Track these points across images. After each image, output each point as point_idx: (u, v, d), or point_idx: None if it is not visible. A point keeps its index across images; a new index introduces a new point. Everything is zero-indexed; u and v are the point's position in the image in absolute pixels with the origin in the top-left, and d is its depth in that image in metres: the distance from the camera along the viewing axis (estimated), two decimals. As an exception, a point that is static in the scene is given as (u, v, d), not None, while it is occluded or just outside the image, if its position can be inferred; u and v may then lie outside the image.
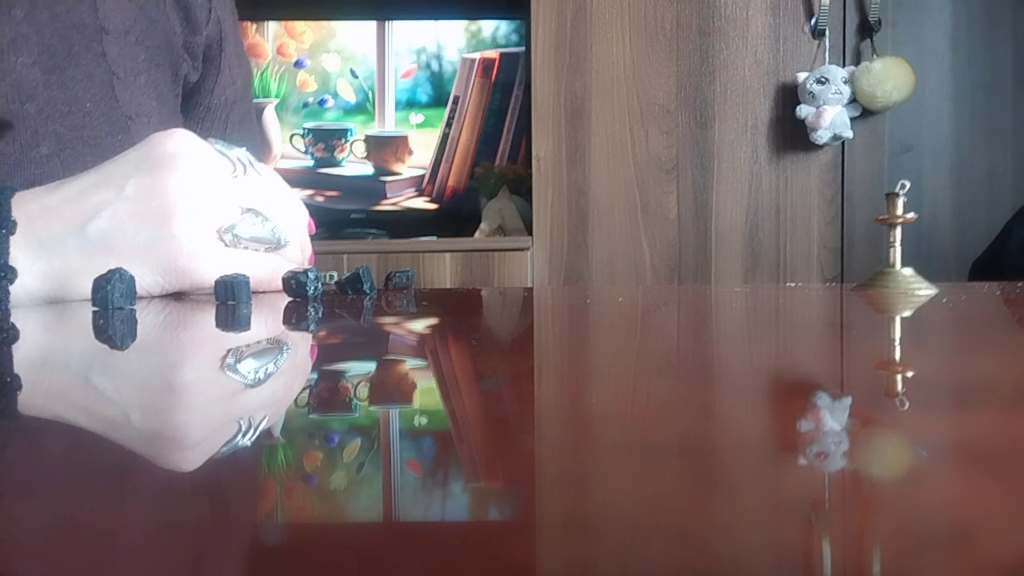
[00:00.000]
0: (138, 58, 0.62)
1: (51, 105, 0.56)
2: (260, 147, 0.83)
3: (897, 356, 0.25)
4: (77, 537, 0.10)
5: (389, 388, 0.21)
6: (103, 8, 0.59)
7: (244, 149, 0.48)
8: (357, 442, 0.15)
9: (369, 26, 1.85)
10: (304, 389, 0.20)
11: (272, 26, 1.85)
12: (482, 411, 0.18)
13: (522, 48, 1.83)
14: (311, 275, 0.44)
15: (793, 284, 1.50)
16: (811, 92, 1.54)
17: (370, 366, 0.25)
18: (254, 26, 1.85)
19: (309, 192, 1.86)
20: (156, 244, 0.43)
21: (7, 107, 0.54)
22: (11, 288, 0.41)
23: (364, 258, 1.62)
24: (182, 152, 0.45)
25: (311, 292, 0.44)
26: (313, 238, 0.54)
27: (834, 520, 0.11)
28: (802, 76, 1.57)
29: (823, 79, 1.54)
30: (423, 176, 1.86)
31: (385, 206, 1.86)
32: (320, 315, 0.38)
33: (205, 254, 0.44)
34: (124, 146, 0.47)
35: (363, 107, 1.86)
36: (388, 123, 1.86)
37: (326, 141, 1.86)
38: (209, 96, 0.71)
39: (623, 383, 0.21)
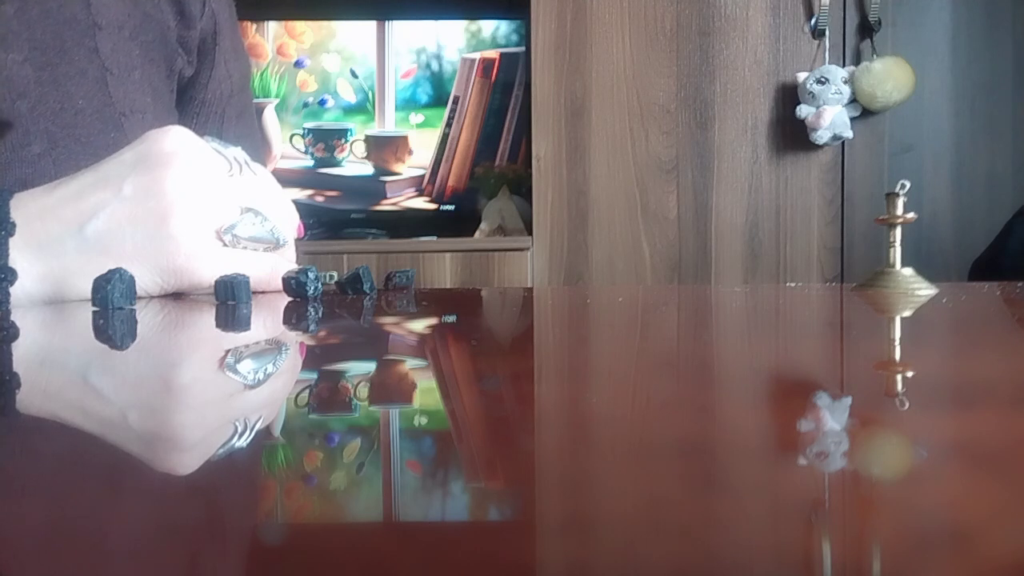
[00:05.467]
0: (132, 53, 0.61)
1: (43, 103, 0.56)
2: (259, 143, 0.82)
3: (897, 356, 0.25)
4: (75, 538, 0.10)
5: (389, 388, 0.21)
6: (96, 3, 0.59)
7: (240, 148, 0.48)
8: (357, 442, 0.15)
9: (369, 26, 1.85)
10: (304, 389, 0.20)
11: (272, 26, 1.85)
12: (482, 411, 0.18)
13: (522, 48, 1.83)
14: (311, 275, 0.44)
15: (793, 284, 1.50)
16: (811, 92, 1.54)
17: (370, 366, 0.25)
18: (254, 26, 1.85)
19: (309, 192, 1.85)
20: (154, 244, 0.43)
21: None
22: (11, 290, 0.41)
23: (364, 258, 1.62)
24: (179, 151, 0.44)
25: (311, 292, 0.44)
26: (313, 238, 0.54)
27: (834, 520, 0.11)
28: (802, 76, 1.57)
29: (823, 79, 1.54)
30: (423, 176, 1.86)
31: (385, 206, 1.86)
32: (320, 315, 0.38)
33: (203, 254, 0.44)
34: (117, 143, 0.46)
35: (363, 107, 1.86)
36: (388, 123, 1.86)
37: (326, 141, 1.86)
38: (204, 91, 0.71)
39: (623, 383, 0.21)
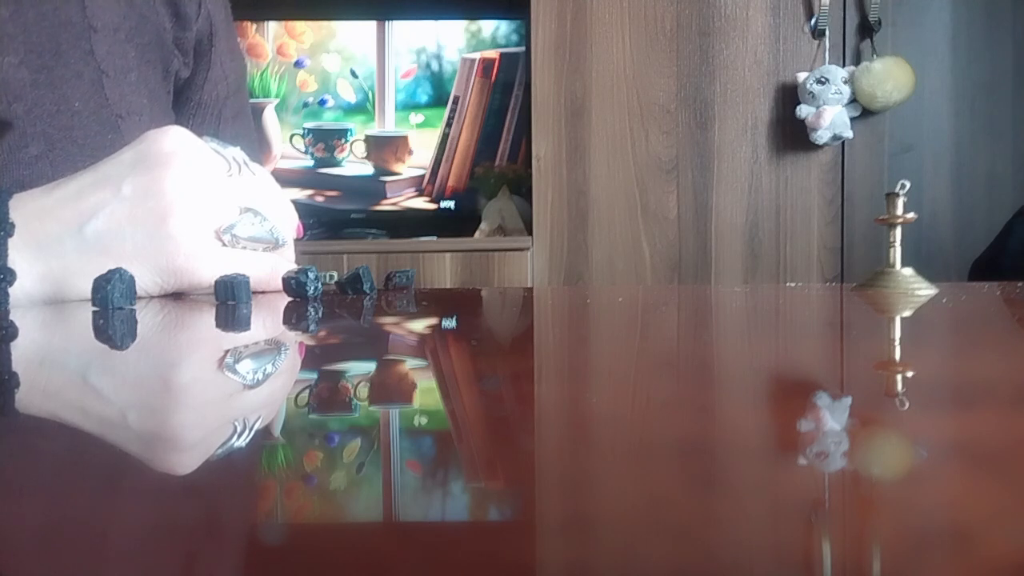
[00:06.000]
0: (128, 55, 0.61)
1: (39, 105, 0.56)
2: (256, 144, 0.82)
3: (897, 356, 0.25)
4: (74, 538, 0.10)
5: (389, 388, 0.21)
6: (91, 6, 0.59)
7: (238, 148, 0.48)
8: (357, 442, 0.15)
9: (369, 26, 1.85)
10: (304, 389, 0.20)
11: (272, 26, 1.85)
12: (482, 411, 0.18)
13: (522, 48, 1.83)
14: (311, 275, 0.44)
15: (793, 284, 1.50)
16: (811, 92, 1.54)
17: (370, 366, 0.25)
18: (254, 26, 1.85)
19: (309, 192, 1.85)
20: (153, 244, 0.43)
21: None
22: (10, 290, 0.41)
23: (364, 258, 1.62)
24: (178, 151, 0.44)
25: (311, 292, 0.44)
26: (313, 238, 0.54)
27: (834, 520, 0.11)
28: (802, 76, 1.57)
29: (823, 79, 1.54)
30: (423, 176, 1.86)
31: (385, 206, 1.86)
32: (320, 315, 0.38)
33: (203, 254, 0.44)
34: (115, 145, 0.46)
35: (363, 107, 1.86)
36: (388, 123, 1.86)
37: (326, 141, 1.86)
38: (200, 92, 0.71)
39: (623, 383, 0.21)
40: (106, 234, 0.43)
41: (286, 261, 0.50)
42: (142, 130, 0.46)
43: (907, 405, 0.17)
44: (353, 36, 1.86)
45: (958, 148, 1.62)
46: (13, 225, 0.41)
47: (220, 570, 0.10)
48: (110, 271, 0.38)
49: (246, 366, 0.23)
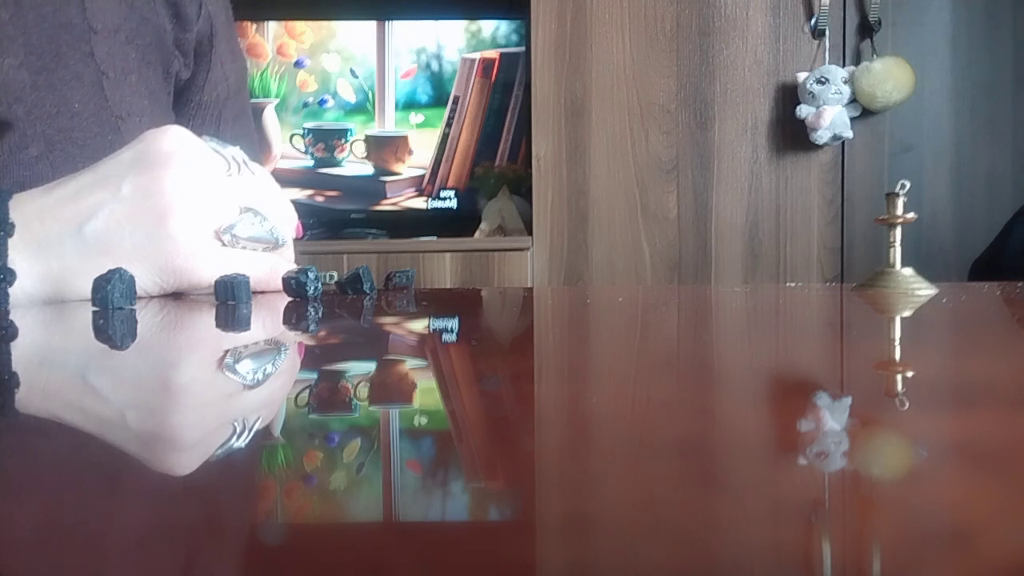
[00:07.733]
0: (128, 57, 0.61)
1: (39, 107, 0.56)
2: (256, 145, 0.82)
3: (897, 356, 0.25)
4: (74, 538, 0.10)
5: (389, 388, 0.21)
6: (92, 7, 0.59)
7: (238, 148, 0.48)
8: (357, 442, 0.15)
9: (369, 26, 1.85)
10: (304, 389, 0.20)
11: (272, 26, 1.85)
12: (482, 411, 0.18)
13: (522, 48, 1.83)
14: (311, 275, 0.44)
15: (793, 284, 1.50)
16: (811, 92, 1.54)
17: (370, 366, 0.25)
18: (254, 26, 1.85)
19: (309, 192, 1.85)
20: (153, 244, 0.43)
21: None
22: (10, 290, 0.41)
23: (364, 258, 1.62)
24: (177, 150, 0.44)
25: (311, 292, 0.44)
26: (313, 238, 0.54)
27: (834, 520, 0.11)
28: (802, 76, 1.57)
29: (823, 79, 1.54)
30: (423, 176, 1.86)
31: (385, 206, 1.86)
32: (320, 315, 0.38)
33: (202, 254, 0.44)
34: (115, 146, 0.46)
35: (363, 107, 1.86)
36: (388, 123, 1.86)
37: (326, 141, 1.86)
38: (200, 93, 0.71)
39: (623, 383, 0.21)
40: (105, 234, 0.42)
41: (286, 261, 0.50)
42: (142, 131, 0.46)
43: (907, 405, 0.17)
44: (353, 36, 1.86)
45: (958, 148, 1.62)
46: (13, 225, 0.41)
47: (220, 570, 0.10)
48: (110, 271, 0.38)
49: (246, 366, 0.23)
